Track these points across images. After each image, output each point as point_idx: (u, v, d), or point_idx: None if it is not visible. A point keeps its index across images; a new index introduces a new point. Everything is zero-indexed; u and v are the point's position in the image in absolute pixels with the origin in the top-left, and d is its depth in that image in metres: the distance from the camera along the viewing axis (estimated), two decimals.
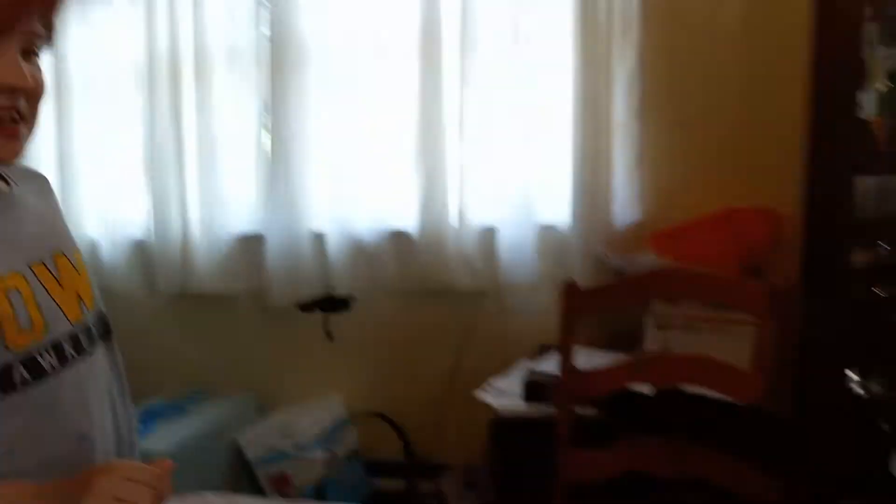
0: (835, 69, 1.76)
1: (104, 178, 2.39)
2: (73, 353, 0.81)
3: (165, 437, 2.13)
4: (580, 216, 2.07)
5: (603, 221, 2.05)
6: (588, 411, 1.90)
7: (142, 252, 2.43)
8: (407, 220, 2.24)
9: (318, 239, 2.30)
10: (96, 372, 0.86)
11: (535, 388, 1.93)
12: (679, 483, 1.72)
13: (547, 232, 2.14)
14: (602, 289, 1.40)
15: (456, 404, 2.33)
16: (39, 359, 0.77)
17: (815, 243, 1.79)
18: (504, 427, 1.98)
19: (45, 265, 0.82)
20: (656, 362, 1.39)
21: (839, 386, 1.88)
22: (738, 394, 1.37)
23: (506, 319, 2.25)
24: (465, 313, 2.31)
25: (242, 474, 2.33)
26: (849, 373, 1.92)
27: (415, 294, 2.32)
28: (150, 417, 2.18)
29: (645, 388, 1.83)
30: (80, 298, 0.85)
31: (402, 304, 2.37)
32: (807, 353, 1.88)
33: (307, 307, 2.41)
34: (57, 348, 0.79)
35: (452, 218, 2.19)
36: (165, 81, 2.27)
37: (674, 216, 2.02)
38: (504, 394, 2.02)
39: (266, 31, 2.27)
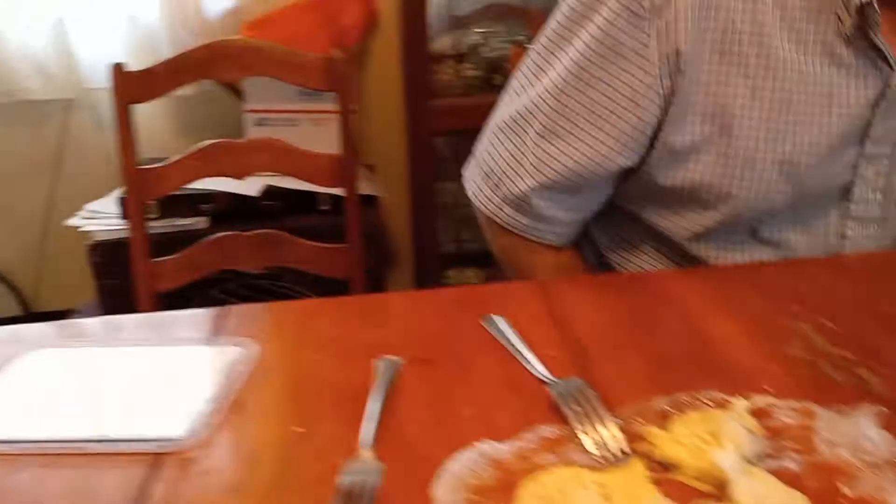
0: None
1: None
2: None
3: None
4: (169, 4, 1.82)
5: (193, 10, 1.83)
6: (198, 222, 1.80)
7: None
8: None
9: None
10: None
11: None
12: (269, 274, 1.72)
13: (132, 24, 1.87)
14: (156, 69, 1.22)
15: (60, 238, 2.06)
16: None
17: (408, 28, 1.77)
18: (106, 252, 1.80)
19: None
20: (226, 151, 1.28)
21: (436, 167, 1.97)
22: (317, 178, 1.32)
23: (102, 133, 1.99)
24: (53, 129, 2.00)
25: None
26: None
27: None
28: None
29: (251, 190, 1.76)
30: None
31: None
32: (409, 134, 1.92)
33: None
34: None
35: (12, 7, 1.81)
36: None
37: (267, 3, 1.86)
38: (100, 217, 1.82)
39: None
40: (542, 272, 0.95)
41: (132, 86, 1.24)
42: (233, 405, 0.63)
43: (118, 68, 1.23)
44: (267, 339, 0.73)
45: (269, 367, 0.68)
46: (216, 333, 0.74)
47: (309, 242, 1.37)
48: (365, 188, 1.86)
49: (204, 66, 1.23)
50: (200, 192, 1.76)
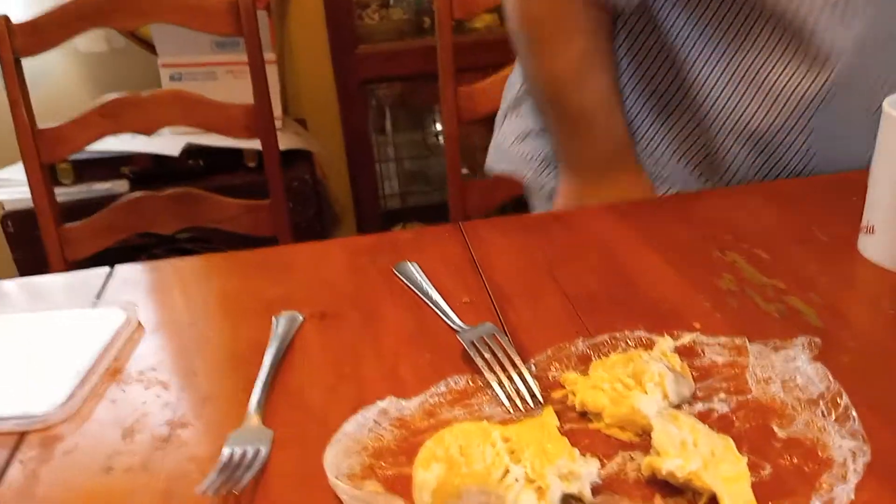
0: None
1: None
2: None
3: None
4: None
5: None
6: (118, 185, 1.70)
7: None
8: None
9: None
10: None
11: None
12: (198, 237, 1.64)
13: None
14: (44, 19, 1.12)
15: None
16: None
17: None
18: (19, 222, 1.69)
19: None
20: (130, 105, 1.19)
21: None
22: (231, 130, 1.24)
23: None
24: None
25: None
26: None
27: None
28: None
29: (171, 149, 1.67)
30: None
31: None
32: (337, 84, 1.83)
33: None
34: None
35: None
36: None
37: None
38: (10, 184, 1.71)
39: None
40: (567, 57, 0.82)
41: (19, 38, 1.13)
42: (109, 374, 0.56)
43: (1, 20, 1.12)
44: (156, 300, 0.66)
45: (155, 330, 0.61)
46: (101, 296, 0.67)
47: (230, 200, 1.29)
48: (296, 143, 1.77)
49: (97, 13, 1.12)
50: (118, 154, 1.67)
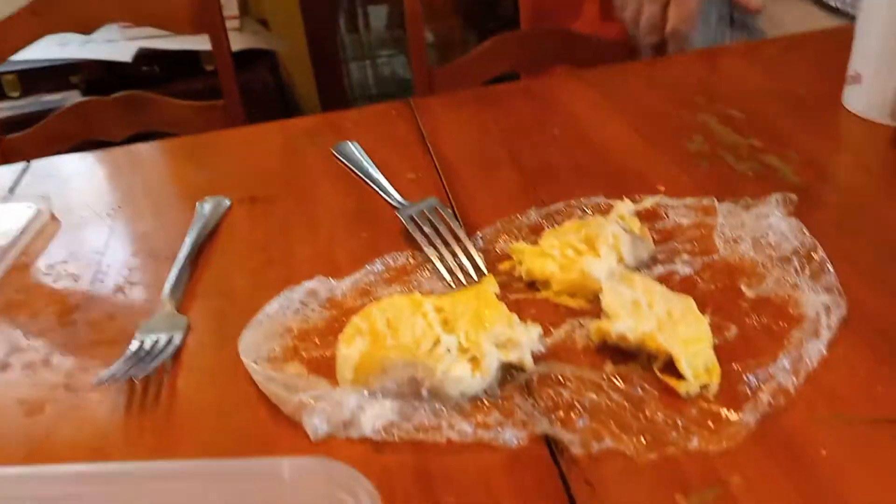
0: None
1: None
2: None
3: None
4: None
5: None
6: (69, 96, 1.62)
7: None
8: None
9: None
10: None
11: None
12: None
13: None
14: None
15: None
16: None
17: None
18: None
19: None
20: (62, 3, 1.10)
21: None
22: (175, 24, 1.15)
23: None
24: None
25: None
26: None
27: None
28: None
29: (123, 55, 1.57)
30: None
31: None
32: None
33: None
34: None
35: None
36: None
37: None
38: None
39: None
40: None
41: None
42: (16, 269, 0.51)
43: None
44: (75, 193, 0.60)
45: (71, 223, 0.56)
46: (14, 190, 0.61)
47: (181, 101, 1.21)
48: (255, 42, 1.68)
49: None
50: (65, 62, 1.57)
